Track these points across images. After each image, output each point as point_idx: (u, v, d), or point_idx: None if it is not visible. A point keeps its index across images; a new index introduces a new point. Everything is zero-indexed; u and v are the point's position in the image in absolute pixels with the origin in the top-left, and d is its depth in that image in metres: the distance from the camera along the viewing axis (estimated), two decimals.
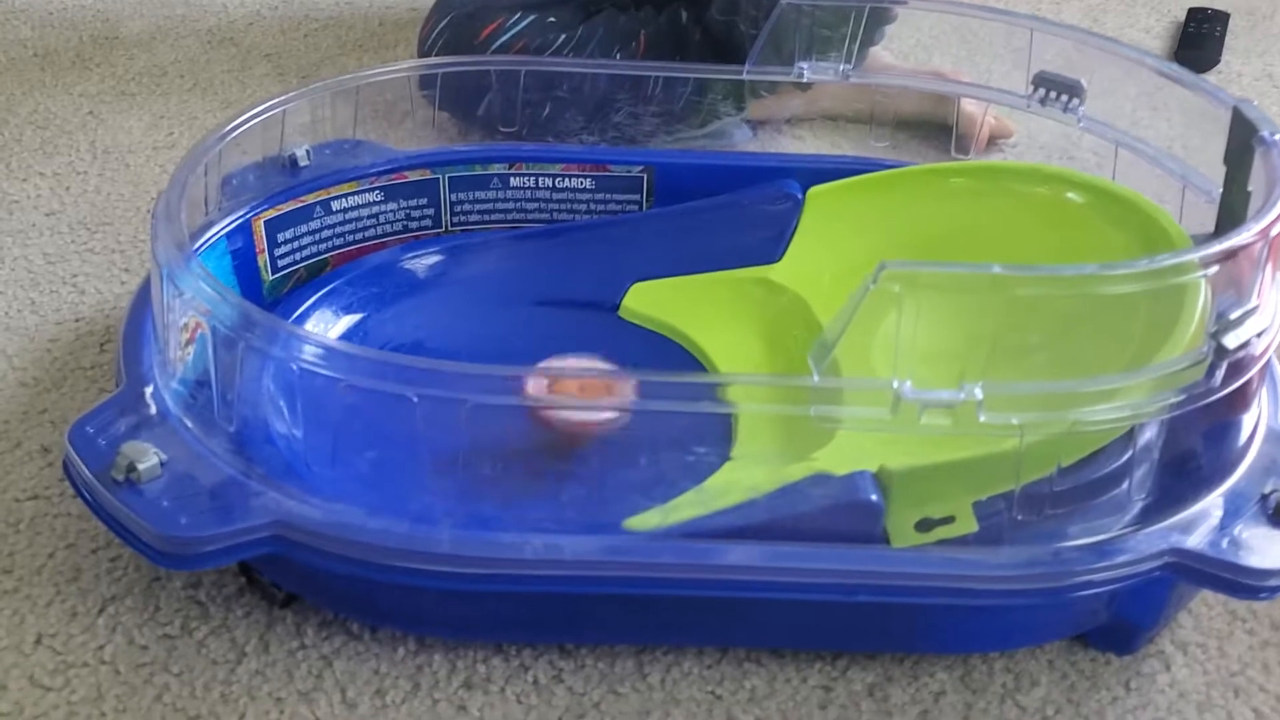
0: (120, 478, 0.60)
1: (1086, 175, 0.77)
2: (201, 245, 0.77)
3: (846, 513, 0.61)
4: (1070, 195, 0.76)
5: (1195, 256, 0.57)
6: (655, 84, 0.96)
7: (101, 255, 0.96)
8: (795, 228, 0.86)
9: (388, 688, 0.64)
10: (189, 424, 0.63)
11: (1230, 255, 0.58)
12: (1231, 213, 0.69)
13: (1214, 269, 0.57)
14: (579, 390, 0.66)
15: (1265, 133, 0.67)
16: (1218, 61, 1.30)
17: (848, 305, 0.55)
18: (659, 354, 0.84)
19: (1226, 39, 1.35)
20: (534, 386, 0.69)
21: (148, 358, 0.67)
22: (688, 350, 0.84)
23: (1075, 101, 0.81)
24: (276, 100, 0.79)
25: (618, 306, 0.87)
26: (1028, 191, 0.78)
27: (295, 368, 0.56)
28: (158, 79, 1.21)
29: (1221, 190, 0.72)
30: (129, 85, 1.19)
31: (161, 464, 0.61)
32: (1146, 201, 0.74)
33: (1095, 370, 0.58)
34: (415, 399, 0.55)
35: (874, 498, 0.61)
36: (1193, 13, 1.38)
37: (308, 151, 0.87)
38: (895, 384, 0.56)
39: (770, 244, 0.86)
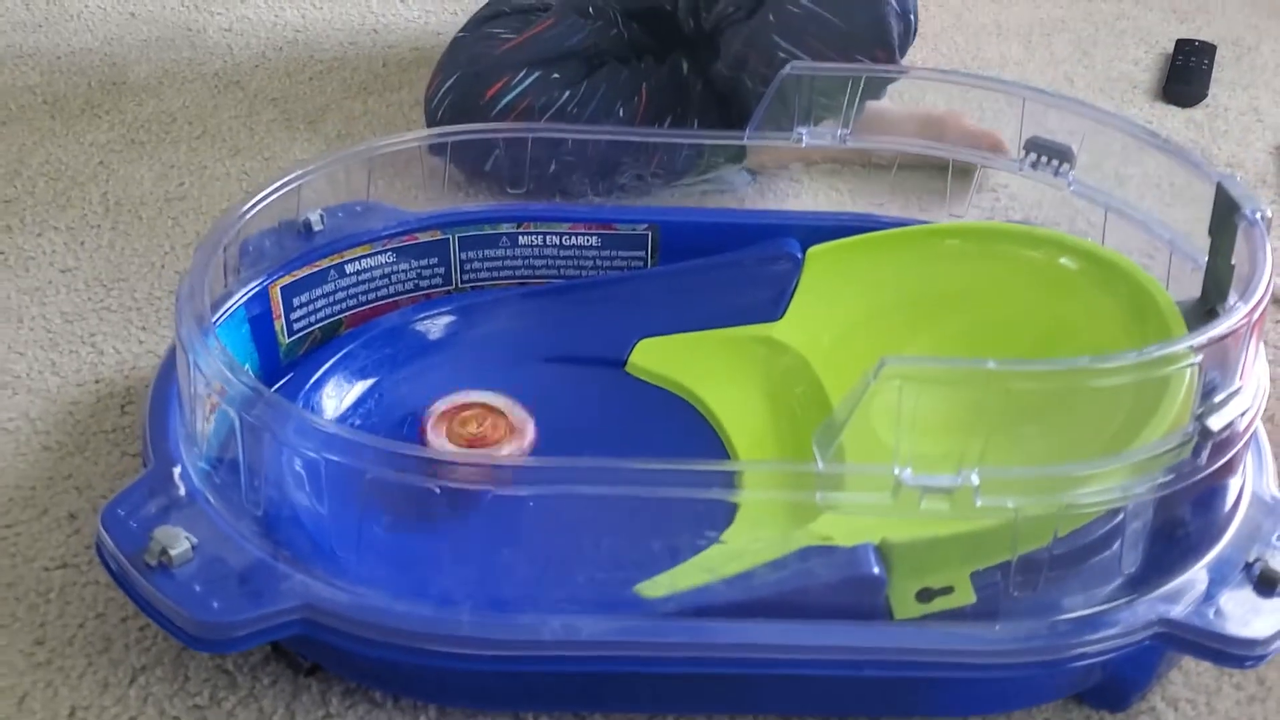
0: (153, 562, 0.62)
1: (1079, 240, 0.80)
2: (221, 317, 0.80)
3: (851, 586, 0.64)
4: (1063, 261, 0.78)
5: (1183, 347, 0.60)
6: (658, 145, 0.99)
7: (118, 314, 0.99)
8: (796, 287, 0.89)
9: None
10: (216, 504, 0.66)
11: (1217, 340, 0.61)
12: (1217, 283, 0.72)
13: (1201, 357, 0.60)
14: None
15: (1247, 210, 0.69)
16: (1205, 96, 1.33)
17: (851, 396, 0.58)
18: (666, 411, 0.87)
19: (1214, 71, 1.38)
20: None
21: (173, 433, 0.70)
22: (694, 407, 0.87)
23: (1066, 166, 0.84)
24: (293, 176, 0.81)
25: (625, 362, 0.90)
26: (1021, 255, 0.81)
27: (320, 459, 0.59)
28: (166, 126, 1.23)
29: (1207, 259, 0.74)
30: (138, 133, 1.22)
31: (193, 547, 0.63)
32: (1136, 270, 0.76)
33: (1085, 449, 0.61)
34: (438, 490, 0.57)
35: (877, 571, 0.64)
36: (1180, 44, 1.41)
37: (321, 216, 0.89)
38: (896, 470, 0.58)
39: (772, 303, 0.89)
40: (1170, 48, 1.41)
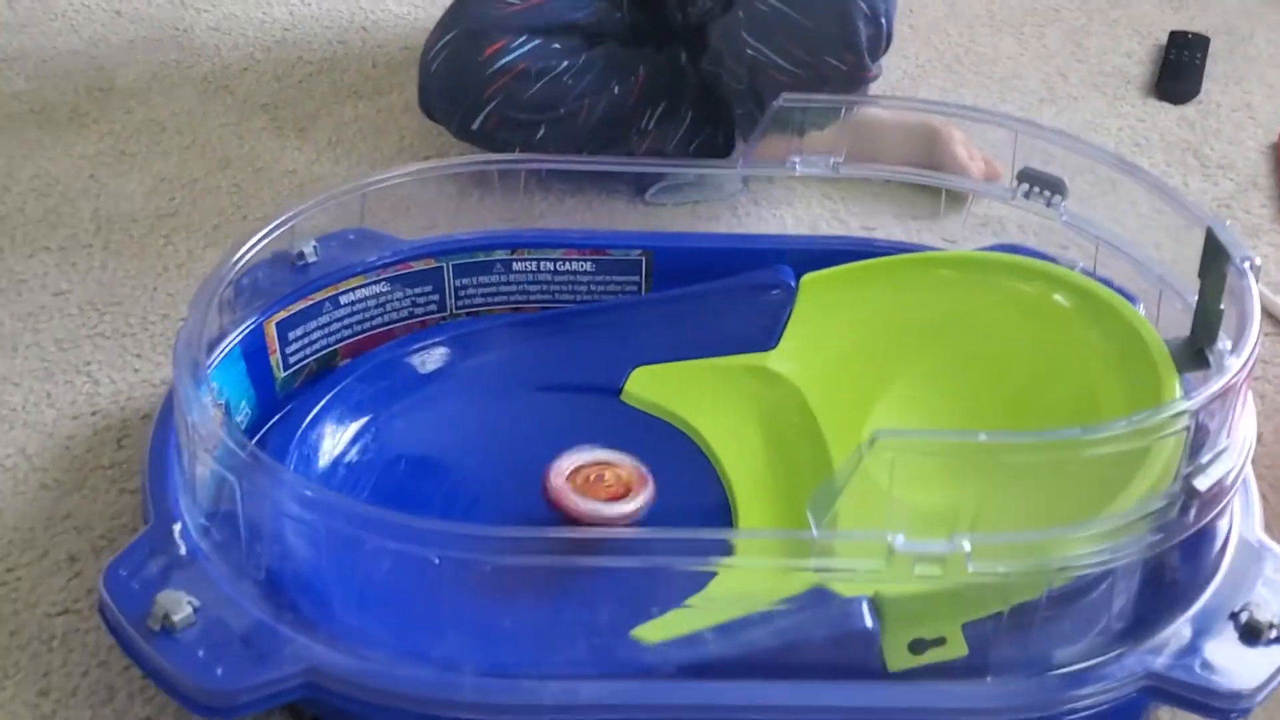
0: (156, 627, 0.63)
1: (1072, 274, 0.81)
2: (216, 359, 0.80)
3: (846, 640, 0.65)
4: (1056, 297, 0.79)
5: (1175, 412, 0.61)
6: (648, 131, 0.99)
7: (112, 340, 0.99)
8: (789, 316, 0.89)
9: None
10: (216, 562, 0.66)
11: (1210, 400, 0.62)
12: (1206, 325, 0.72)
13: (1193, 420, 0.60)
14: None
15: (1236, 259, 0.69)
16: (1198, 92, 1.32)
17: (845, 467, 0.59)
18: (661, 441, 0.87)
19: (1207, 64, 1.37)
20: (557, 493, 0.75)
21: (173, 486, 0.71)
22: (689, 437, 0.88)
23: (1058, 198, 0.84)
24: (285, 217, 0.82)
25: (619, 391, 0.91)
26: (1014, 288, 0.82)
27: (321, 529, 0.60)
28: (156, 136, 1.22)
29: (1196, 299, 0.75)
30: (128, 144, 1.21)
31: (195, 610, 0.64)
32: (1128, 309, 0.77)
33: (1074, 506, 0.62)
34: (436, 560, 0.58)
35: (870, 625, 0.65)
36: (1174, 37, 1.40)
37: (315, 247, 0.89)
38: (889, 537, 0.59)
39: (765, 331, 0.89)
40: (1164, 39, 1.40)
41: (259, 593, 0.65)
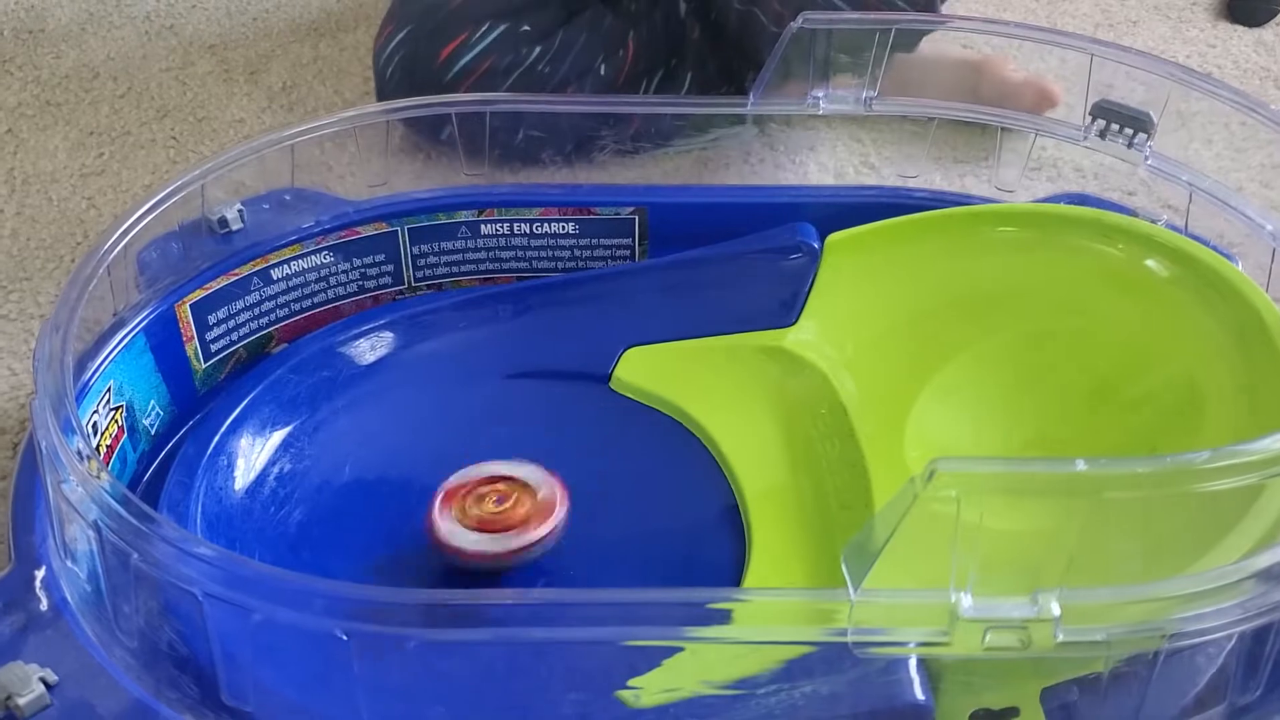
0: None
1: (1168, 234, 0.65)
2: (113, 353, 0.65)
3: (888, 715, 0.50)
4: (1150, 263, 0.63)
5: None
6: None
7: (17, 322, 0.84)
8: (812, 284, 0.74)
9: None
10: (86, 623, 0.52)
11: None
12: None
13: None
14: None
15: None
16: (1277, 13, 1.16)
17: (891, 509, 0.44)
18: (659, 438, 0.72)
19: None
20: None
21: (41, 526, 0.56)
22: (690, 431, 0.73)
23: (1142, 136, 0.68)
24: (196, 173, 0.66)
25: (608, 377, 0.76)
26: (1094, 250, 0.66)
27: (197, 594, 0.46)
28: (87, 83, 1.07)
29: None
30: (54, 93, 1.06)
31: (50, 688, 0.50)
32: (1242, 279, 0.61)
33: (1184, 549, 0.47)
34: (345, 637, 0.44)
35: (922, 698, 0.50)
36: None
37: (240, 212, 0.75)
38: (952, 597, 0.45)
39: (783, 305, 0.74)
40: None
41: (137, 662, 0.51)
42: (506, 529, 0.64)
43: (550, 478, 0.65)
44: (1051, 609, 0.44)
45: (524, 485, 0.65)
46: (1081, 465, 0.42)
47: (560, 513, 0.64)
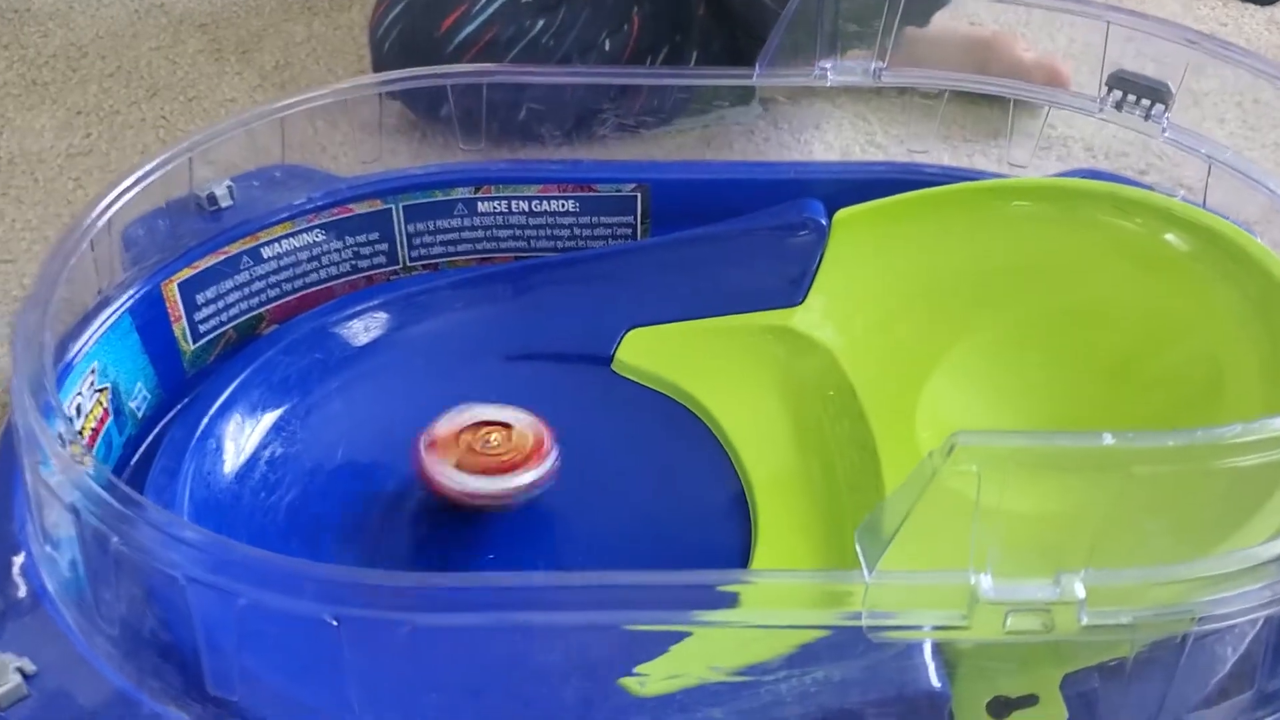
0: None
1: (1186, 207, 0.62)
2: (98, 332, 0.63)
3: (903, 703, 0.48)
4: (1169, 237, 0.61)
5: None
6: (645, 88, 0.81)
7: (2, 305, 0.82)
8: (820, 262, 0.72)
9: None
10: (67, 611, 0.50)
11: None
12: None
13: None
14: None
15: None
16: None
17: (908, 486, 0.42)
18: (662, 421, 0.70)
19: None
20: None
21: (20, 511, 0.54)
22: (695, 414, 0.70)
23: (1160, 108, 0.66)
24: (180, 148, 0.64)
25: (610, 359, 0.74)
26: (1112, 224, 0.64)
27: (180, 579, 0.44)
28: (75, 62, 1.05)
29: None
30: (41, 71, 1.04)
31: (28, 678, 0.48)
32: (1265, 253, 0.59)
33: (1212, 535, 0.45)
34: (334, 623, 0.42)
35: (938, 684, 0.48)
36: None
37: (229, 188, 0.72)
38: (972, 578, 0.42)
39: (791, 283, 0.72)
40: None
41: (117, 651, 0.49)
42: (502, 470, 0.62)
43: (532, 417, 0.64)
44: (1075, 590, 0.42)
45: (510, 427, 0.64)
46: (1109, 439, 0.40)
47: (553, 450, 0.63)
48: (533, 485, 0.62)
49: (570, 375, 0.72)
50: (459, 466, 0.62)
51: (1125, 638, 0.43)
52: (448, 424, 0.64)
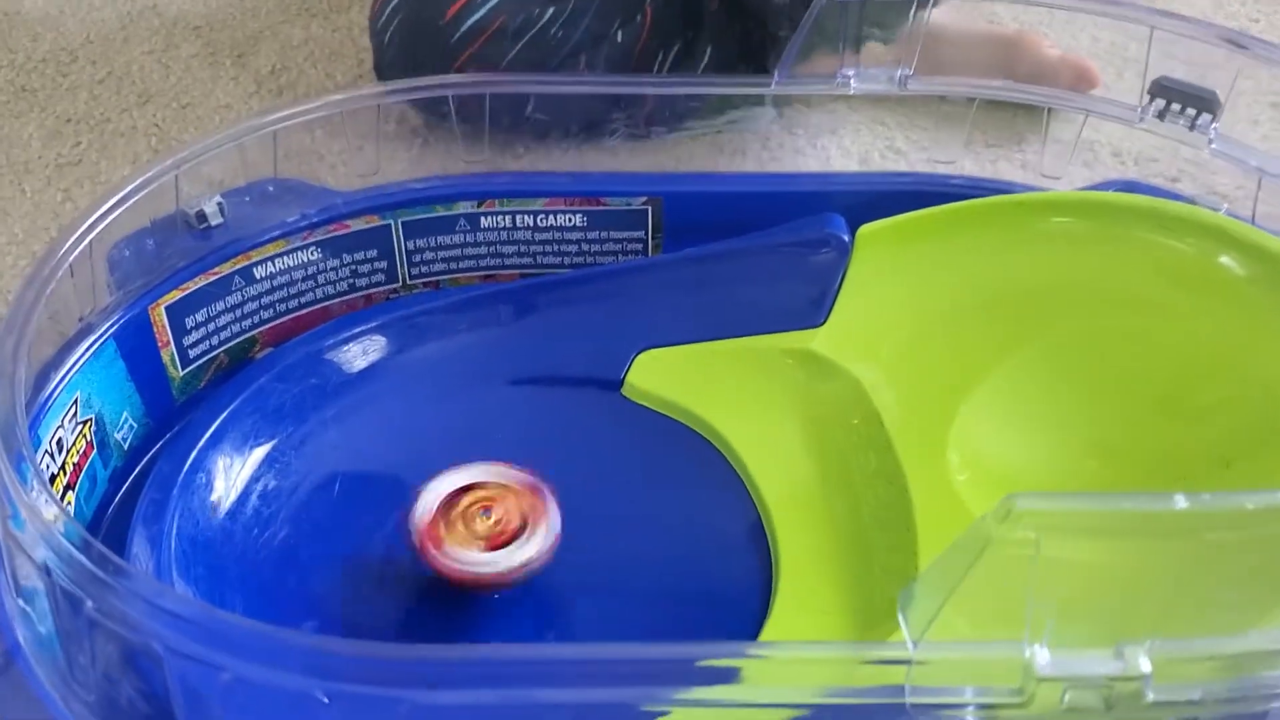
0: None
1: (1239, 225, 0.58)
2: (80, 361, 0.60)
3: None
4: (1223, 258, 0.57)
5: None
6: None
7: None
8: (843, 281, 0.68)
9: None
10: (41, 670, 0.47)
11: None
12: None
13: None
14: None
15: None
16: None
17: (958, 550, 0.38)
18: (675, 450, 0.66)
19: None
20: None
21: None
22: (710, 442, 0.67)
23: (1206, 117, 0.62)
24: (166, 164, 0.60)
25: (621, 383, 0.70)
26: (1159, 244, 0.60)
27: (160, 650, 0.40)
28: (65, 68, 1.01)
29: None
30: (30, 78, 1.00)
31: None
32: None
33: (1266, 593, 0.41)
34: (325, 700, 0.38)
35: None
36: None
37: (220, 205, 0.69)
38: (1026, 651, 0.39)
39: (812, 303, 0.68)
40: None
41: (95, 718, 0.46)
42: (504, 544, 0.58)
43: (527, 475, 0.60)
44: (1140, 665, 0.38)
45: (506, 489, 0.60)
46: (1181, 502, 0.36)
47: (554, 513, 0.58)
48: (530, 561, 0.57)
49: (578, 400, 0.69)
50: (458, 544, 0.57)
51: (1195, 714, 0.39)
52: (433, 496, 0.59)
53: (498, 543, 0.58)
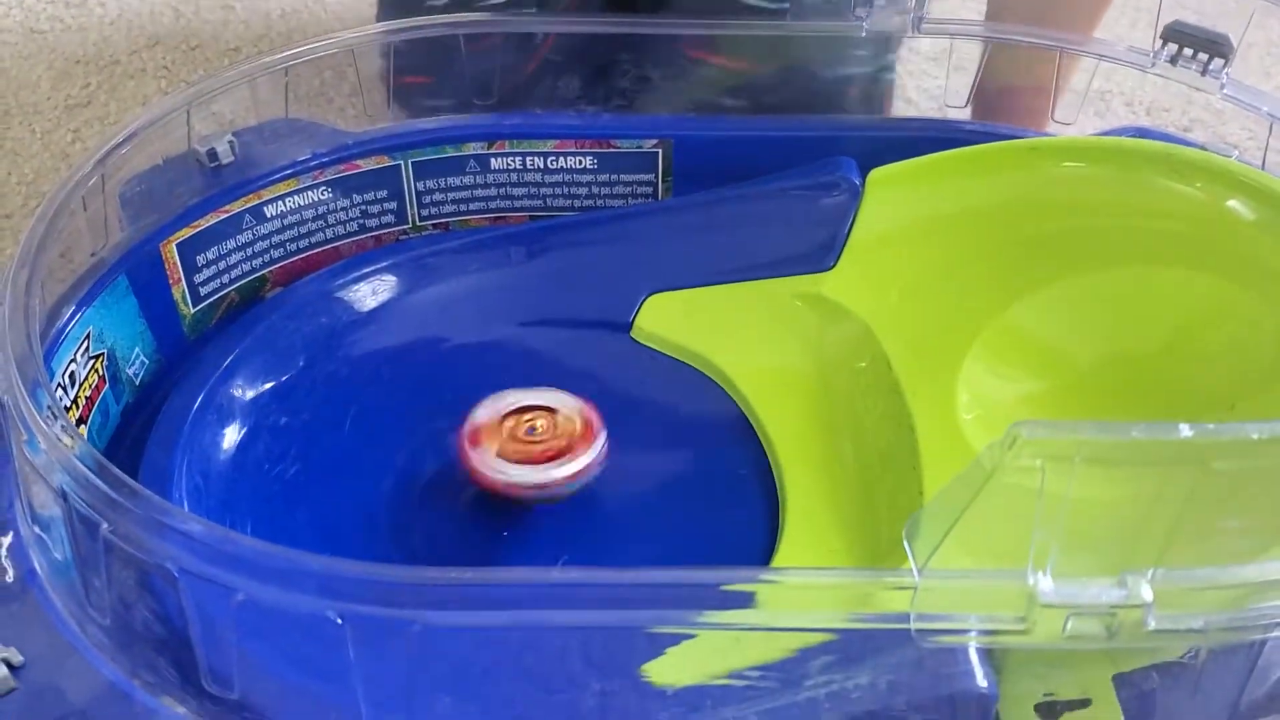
0: None
1: (1246, 170, 0.58)
2: (88, 301, 0.60)
3: (947, 706, 0.45)
4: (1234, 204, 0.57)
5: None
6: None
7: None
8: (853, 224, 0.68)
9: None
10: (57, 597, 0.47)
11: None
12: None
13: None
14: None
15: None
16: None
17: (963, 480, 0.38)
18: (684, 392, 0.67)
19: None
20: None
21: (8, 489, 0.51)
22: (719, 384, 0.67)
23: (1219, 62, 0.61)
24: (177, 100, 0.60)
25: (630, 326, 0.70)
26: (1169, 189, 0.59)
27: (174, 571, 0.41)
28: (73, 8, 1.01)
29: None
30: (38, 19, 1.00)
31: (15, 670, 0.45)
32: None
33: (1268, 524, 0.42)
34: (339, 621, 0.39)
35: (984, 685, 0.45)
36: None
37: (231, 144, 0.69)
38: (1031, 579, 0.39)
39: (822, 247, 0.68)
40: None
41: (111, 642, 0.46)
42: (548, 459, 0.59)
43: (580, 402, 0.61)
44: (1143, 593, 0.39)
45: (554, 412, 0.61)
46: (1186, 431, 0.36)
47: (601, 438, 0.60)
48: (579, 474, 0.59)
49: (587, 343, 0.69)
50: (501, 455, 0.59)
51: (1195, 642, 0.39)
52: (489, 410, 0.60)
53: (541, 459, 0.59)
